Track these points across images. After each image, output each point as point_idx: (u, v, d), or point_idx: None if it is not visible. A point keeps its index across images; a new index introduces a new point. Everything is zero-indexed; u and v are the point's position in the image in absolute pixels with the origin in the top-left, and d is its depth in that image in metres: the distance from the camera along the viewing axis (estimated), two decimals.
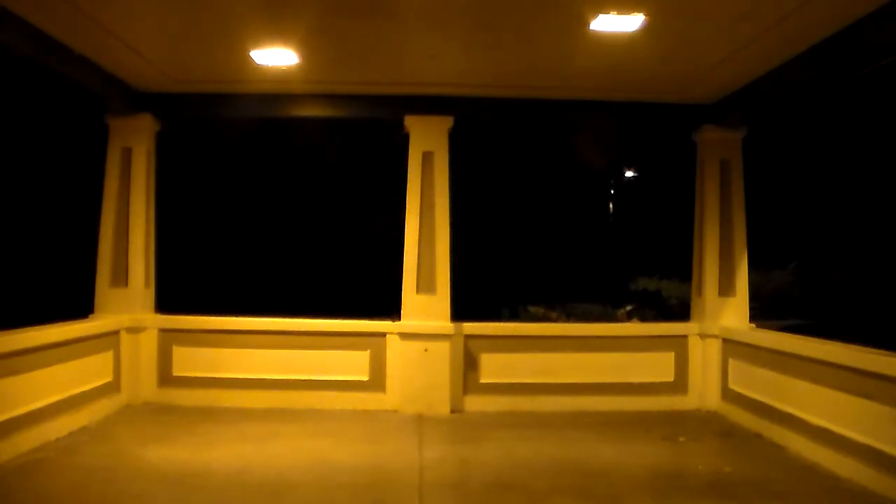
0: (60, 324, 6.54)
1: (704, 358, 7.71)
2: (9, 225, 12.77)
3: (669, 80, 7.05)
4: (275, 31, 5.85)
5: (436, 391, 7.41)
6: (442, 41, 6.06)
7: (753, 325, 7.76)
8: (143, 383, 7.48)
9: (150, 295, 7.77)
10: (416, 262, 7.60)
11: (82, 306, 7.47)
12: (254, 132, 14.41)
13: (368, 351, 7.57)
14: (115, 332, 7.22)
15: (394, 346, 7.53)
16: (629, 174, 21.11)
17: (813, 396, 5.90)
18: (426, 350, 7.43)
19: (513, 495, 5.03)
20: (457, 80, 7.20)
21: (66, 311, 7.06)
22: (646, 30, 5.54)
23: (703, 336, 7.74)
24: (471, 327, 7.65)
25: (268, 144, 15.55)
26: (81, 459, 5.56)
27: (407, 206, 7.70)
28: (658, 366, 7.76)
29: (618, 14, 5.29)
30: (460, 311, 7.71)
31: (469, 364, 7.59)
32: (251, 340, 7.59)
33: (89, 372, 6.68)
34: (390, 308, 7.79)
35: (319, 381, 7.52)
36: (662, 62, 6.51)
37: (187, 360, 7.57)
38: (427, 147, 7.69)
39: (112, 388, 7.10)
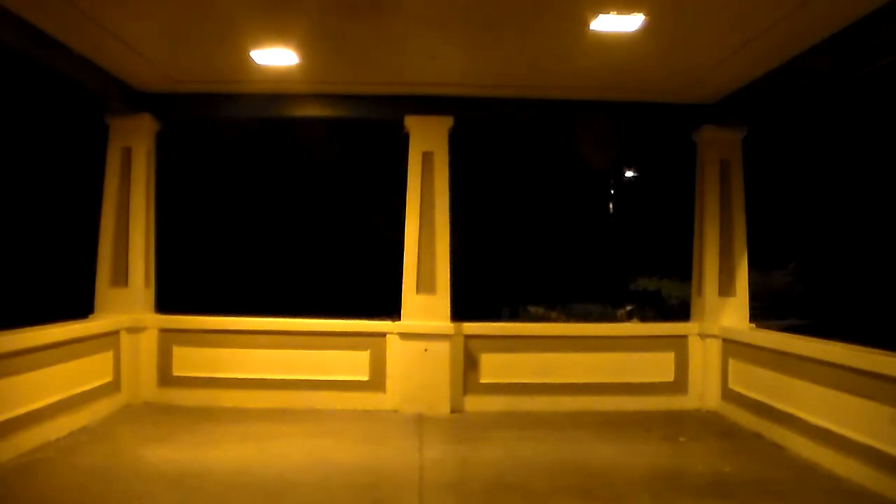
0: (60, 324, 6.54)
1: (704, 358, 7.71)
2: (9, 225, 12.76)
3: (669, 80, 7.05)
4: (275, 31, 5.85)
5: (436, 391, 7.41)
6: (442, 41, 6.06)
7: (753, 325, 7.76)
8: (143, 383, 7.48)
9: (150, 295, 7.77)
10: (416, 262, 7.60)
11: (82, 306, 7.47)
12: (254, 132, 14.39)
13: (368, 351, 7.58)
14: (115, 332, 7.22)
15: (394, 346, 7.53)
16: (629, 174, 21.10)
17: (813, 396, 5.90)
18: (426, 350, 7.43)
19: (513, 495, 5.03)
20: (457, 80, 7.20)
21: (66, 311, 7.06)
22: (646, 30, 5.55)
23: (703, 336, 7.75)
24: (471, 327, 7.65)
25: (268, 144, 15.54)
26: (81, 459, 5.56)
27: (407, 206, 7.70)
28: (658, 366, 7.76)
29: (618, 14, 5.30)
30: (460, 311, 7.70)
31: (469, 364, 7.59)
32: (251, 340, 7.59)
33: (89, 372, 6.69)
34: (390, 308, 7.78)
35: (319, 381, 7.52)
36: (662, 62, 6.51)
37: (187, 360, 7.57)
38: (427, 147, 7.69)
39: (112, 388, 7.10)
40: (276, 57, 6.39)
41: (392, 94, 7.57)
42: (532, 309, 16.26)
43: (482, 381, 7.60)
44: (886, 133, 14.69)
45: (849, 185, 16.30)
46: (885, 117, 14.25)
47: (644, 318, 13.56)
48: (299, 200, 16.74)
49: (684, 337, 7.84)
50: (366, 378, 7.56)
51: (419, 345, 7.44)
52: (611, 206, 21.10)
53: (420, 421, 7.06)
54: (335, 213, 16.89)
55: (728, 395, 7.41)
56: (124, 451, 5.89)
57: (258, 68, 6.64)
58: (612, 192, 21.17)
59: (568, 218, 18.90)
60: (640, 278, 19.15)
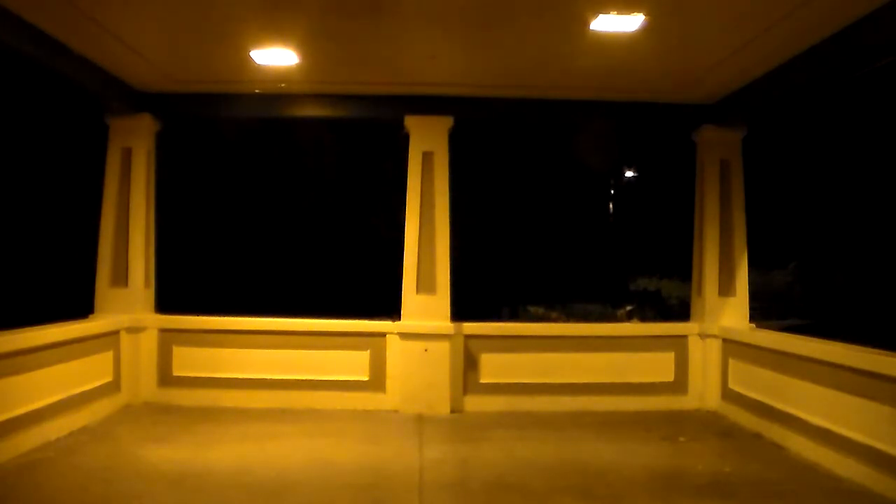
0: (60, 324, 6.54)
1: (704, 358, 7.71)
2: (9, 225, 12.76)
3: (669, 80, 7.05)
4: (275, 31, 5.85)
5: (436, 391, 7.41)
6: (442, 41, 6.06)
7: (753, 325, 7.76)
8: (143, 383, 7.49)
9: (150, 295, 7.77)
10: (416, 262, 7.60)
11: (82, 306, 7.47)
12: (254, 132, 14.40)
13: (368, 351, 7.58)
14: (115, 332, 7.22)
15: (394, 346, 7.53)
16: (629, 174, 21.09)
17: (813, 396, 5.90)
18: (426, 350, 7.43)
19: (513, 495, 5.03)
20: (457, 80, 7.20)
21: (66, 311, 7.06)
22: (646, 30, 5.55)
23: (703, 336, 7.75)
24: (471, 327, 7.65)
25: (268, 144, 15.55)
26: (81, 459, 5.56)
27: (407, 206, 7.70)
28: (658, 366, 7.76)
29: (618, 14, 5.30)
30: (460, 311, 7.70)
31: (469, 364, 7.59)
32: (251, 340, 7.59)
33: (89, 372, 6.69)
34: (390, 308, 7.79)
35: (319, 381, 7.52)
36: (662, 62, 6.51)
37: (187, 360, 7.57)
38: (427, 147, 7.69)
39: (112, 388, 7.10)
40: (276, 57, 6.39)
41: (392, 94, 7.57)
42: (532, 309, 16.27)
43: (482, 381, 7.60)
44: (886, 133, 14.69)
45: (849, 185, 16.30)
46: (885, 117, 14.25)
47: (644, 318, 13.58)
48: (299, 200, 16.74)
49: (684, 337, 7.84)
50: (366, 378, 7.56)
51: (419, 345, 7.44)
52: (611, 206, 21.09)
53: (420, 421, 7.07)
54: (335, 213, 16.89)
55: (728, 395, 7.41)
56: (124, 451, 5.89)
57: (258, 68, 6.64)
58: (612, 192, 21.16)
59: (568, 218, 18.90)
60: (640, 278, 19.15)
